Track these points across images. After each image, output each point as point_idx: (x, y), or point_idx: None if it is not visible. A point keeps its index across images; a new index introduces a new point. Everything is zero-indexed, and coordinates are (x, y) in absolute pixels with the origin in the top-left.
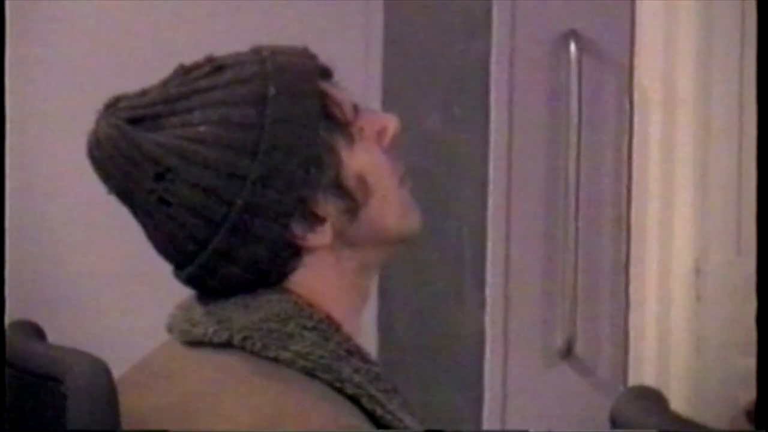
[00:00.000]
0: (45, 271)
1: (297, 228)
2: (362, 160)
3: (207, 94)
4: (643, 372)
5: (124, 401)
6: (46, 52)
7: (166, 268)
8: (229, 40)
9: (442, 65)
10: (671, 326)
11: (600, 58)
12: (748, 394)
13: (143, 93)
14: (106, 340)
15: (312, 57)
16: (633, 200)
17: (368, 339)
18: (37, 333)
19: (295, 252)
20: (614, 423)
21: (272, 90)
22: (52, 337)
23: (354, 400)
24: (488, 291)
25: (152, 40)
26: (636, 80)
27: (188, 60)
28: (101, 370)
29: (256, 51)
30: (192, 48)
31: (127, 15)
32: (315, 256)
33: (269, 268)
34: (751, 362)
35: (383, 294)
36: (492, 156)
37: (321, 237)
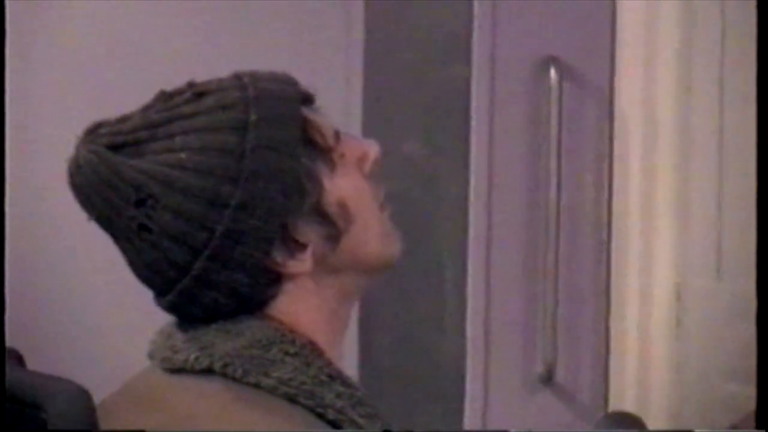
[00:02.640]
0: (24, 298)
1: (278, 255)
2: (343, 186)
3: (188, 120)
4: (624, 398)
5: (104, 428)
6: (47, 53)
7: (146, 293)
8: (209, 65)
9: (422, 90)
10: (651, 351)
11: (580, 84)
12: (729, 418)
13: (124, 119)
14: (85, 367)
15: (293, 83)
16: (613, 225)
17: (349, 365)
18: (17, 360)
19: (276, 278)
20: None
21: (253, 116)
22: (31, 363)
23: (336, 425)
24: (469, 317)
25: (134, 54)
26: (616, 106)
27: (171, 84)
28: (82, 396)
29: (238, 77)
30: (175, 73)
31: (120, 26)
32: (296, 282)
33: (250, 294)
34: (731, 387)
35: (364, 319)
36: (472, 181)
37: (302, 264)
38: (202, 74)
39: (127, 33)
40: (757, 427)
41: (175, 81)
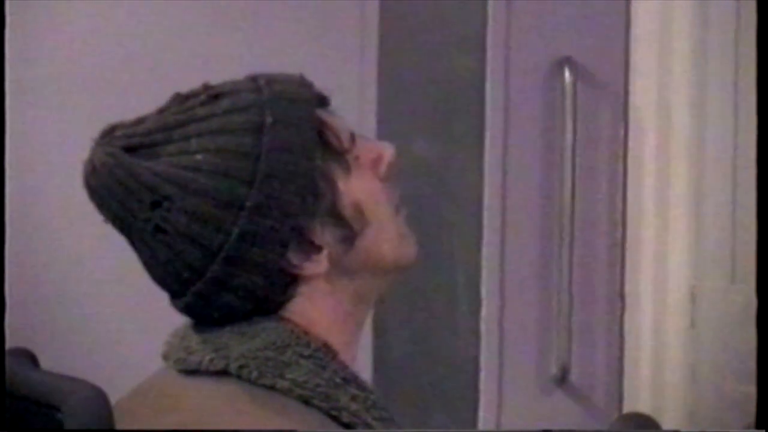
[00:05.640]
0: (38, 298)
1: (293, 256)
2: (358, 188)
3: (204, 122)
4: (638, 399)
5: (120, 428)
6: (48, 53)
7: (161, 295)
8: (224, 66)
9: (437, 91)
10: (666, 353)
11: (594, 85)
12: (743, 420)
13: (139, 121)
14: (98, 368)
15: (308, 85)
16: (628, 227)
17: (364, 366)
18: (31, 360)
19: (291, 280)
20: None
21: (269, 118)
22: (44, 364)
23: (350, 428)
24: (483, 318)
25: (148, 57)
26: (630, 106)
27: (183, 86)
28: (98, 397)
29: (253, 79)
30: (188, 74)
31: (126, 25)
32: (311, 284)
33: (265, 296)
34: (745, 389)
35: (378, 320)
36: (487, 182)
37: (317, 266)
38: (216, 76)
39: (140, 35)
40: (758, 427)
41: (189, 83)
